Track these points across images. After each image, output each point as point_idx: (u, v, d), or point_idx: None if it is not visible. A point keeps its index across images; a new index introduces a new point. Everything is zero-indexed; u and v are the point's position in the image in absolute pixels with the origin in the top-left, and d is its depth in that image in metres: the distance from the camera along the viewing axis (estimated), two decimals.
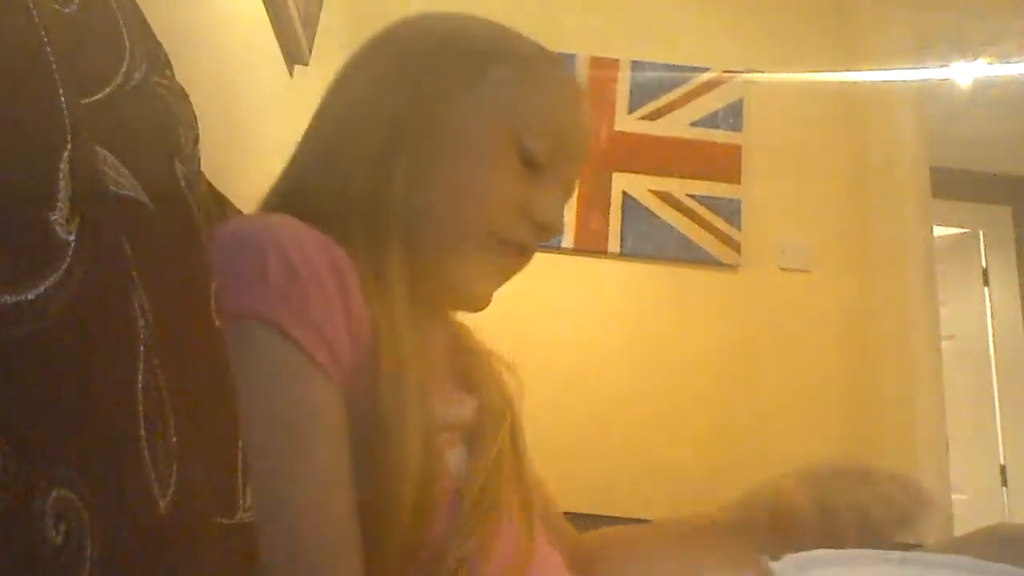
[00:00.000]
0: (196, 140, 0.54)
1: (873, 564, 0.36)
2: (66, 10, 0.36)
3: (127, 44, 0.42)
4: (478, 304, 0.66)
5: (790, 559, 0.35)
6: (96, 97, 0.37)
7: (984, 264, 3.91)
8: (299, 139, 0.67)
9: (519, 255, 0.64)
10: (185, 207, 0.44)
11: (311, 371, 0.49)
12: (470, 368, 0.68)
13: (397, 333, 0.55)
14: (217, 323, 0.43)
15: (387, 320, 0.55)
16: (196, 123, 0.54)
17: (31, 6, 0.30)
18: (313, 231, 0.54)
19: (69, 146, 0.29)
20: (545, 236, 0.64)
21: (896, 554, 0.36)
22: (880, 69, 2.45)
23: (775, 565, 0.35)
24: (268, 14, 1.51)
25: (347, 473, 0.49)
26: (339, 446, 0.50)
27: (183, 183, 0.44)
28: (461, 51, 0.64)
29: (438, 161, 0.60)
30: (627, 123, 2.44)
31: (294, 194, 0.64)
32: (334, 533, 0.48)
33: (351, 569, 0.48)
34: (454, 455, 0.58)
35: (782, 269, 2.35)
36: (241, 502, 0.41)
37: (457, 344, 0.70)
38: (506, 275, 0.66)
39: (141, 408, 0.31)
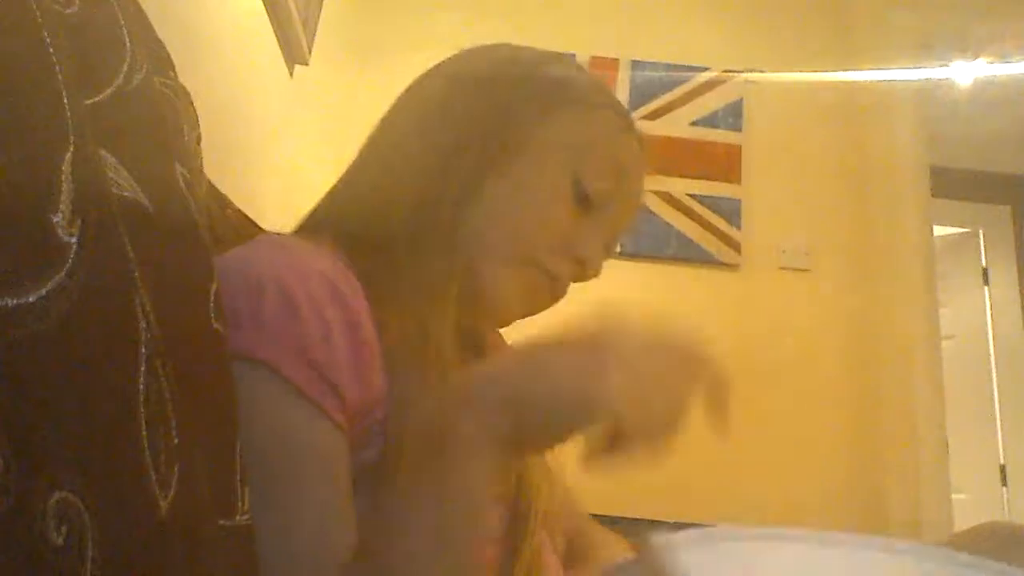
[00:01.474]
0: (198, 140, 0.54)
1: (789, 542, 0.34)
2: (67, 11, 0.35)
3: (128, 45, 0.42)
4: (500, 322, 0.68)
5: (686, 532, 0.34)
6: (97, 98, 0.37)
7: (984, 264, 3.91)
8: (360, 147, 0.68)
9: (551, 289, 0.65)
10: (185, 209, 0.44)
11: (308, 412, 0.48)
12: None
13: (442, 357, 0.55)
14: (216, 326, 0.43)
15: (434, 342, 0.55)
16: (198, 123, 0.54)
17: (34, 7, 0.30)
18: (320, 258, 0.54)
19: (71, 148, 0.29)
20: (581, 273, 0.65)
21: (814, 534, 0.34)
22: (880, 69, 2.45)
23: (669, 537, 0.33)
24: (268, 14, 1.51)
25: (347, 511, 0.49)
26: (337, 486, 0.49)
27: (183, 185, 0.44)
28: (540, 86, 0.66)
29: (502, 188, 0.61)
30: None
31: (347, 205, 0.64)
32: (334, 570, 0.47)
33: None
34: None
35: (782, 269, 2.35)
36: (240, 504, 0.41)
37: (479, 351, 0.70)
38: (534, 305, 0.66)
39: (143, 410, 0.31)
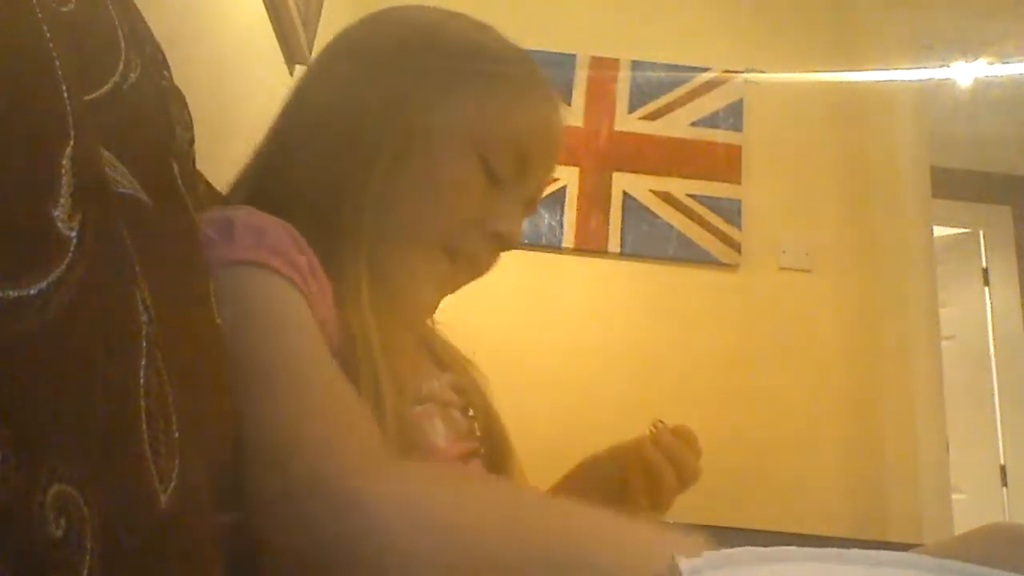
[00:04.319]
0: (191, 141, 0.54)
1: (809, 563, 0.34)
2: (63, 9, 0.36)
3: (122, 45, 0.42)
4: (421, 313, 0.68)
5: (708, 556, 0.34)
6: (92, 97, 0.37)
7: (984, 264, 3.91)
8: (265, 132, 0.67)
9: (470, 266, 0.65)
10: (183, 206, 0.44)
11: (290, 290, 0.50)
12: (441, 352, 0.69)
13: (363, 317, 0.55)
14: (218, 321, 0.43)
15: (353, 310, 0.55)
16: (192, 124, 0.54)
17: (34, 2, 0.30)
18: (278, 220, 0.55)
19: (71, 142, 0.29)
20: (499, 247, 0.65)
21: (831, 552, 0.35)
22: (880, 69, 2.45)
23: (692, 562, 0.34)
24: (268, 14, 1.51)
25: (333, 362, 0.49)
26: (321, 343, 0.50)
27: (180, 182, 0.44)
28: (439, 60, 0.64)
29: (407, 176, 0.61)
30: (627, 123, 2.44)
31: (259, 186, 0.64)
32: (342, 403, 0.47)
33: (369, 431, 0.47)
34: (434, 427, 0.58)
35: (782, 269, 2.35)
36: (236, 502, 0.41)
37: (427, 334, 0.71)
38: (454, 285, 0.66)
39: (143, 403, 0.31)
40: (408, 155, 0.61)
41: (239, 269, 0.49)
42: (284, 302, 0.49)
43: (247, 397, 0.44)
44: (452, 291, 0.66)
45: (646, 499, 0.69)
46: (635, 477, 0.70)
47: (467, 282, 0.66)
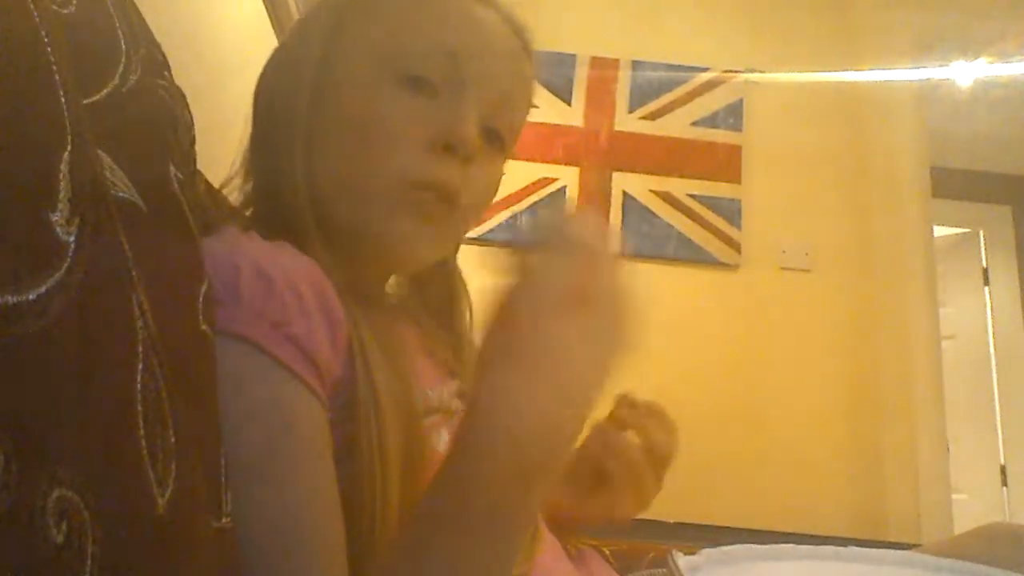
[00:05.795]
0: (192, 142, 0.54)
1: (806, 560, 0.35)
2: (64, 11, 0.36)
3: (123, 46, 0.42)
4: (416, 262, 0.64)
5: (706, 552, 0.34)
6: (93, 99, 0.37)
7: (984, 264, 3.91)
8: None
9: (444, 200, 0.58)
10: (179, 210, 0.44)
11: (289, 386, 0.48)
12: (449, 352, 0.68)
13: (358, 330, 0.54)
14: (204, 328, 0.43)
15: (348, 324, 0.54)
16: (193, 124, 0.54)
17: (31, 6, 0.30)
18: (284, 246, 0.54)
19: (69, 147, 0.30)
20: (459, 156, 0.58)
21: (829, 549, 0.35)
22: (880, 69, 2.45)
23: (690, 559, 0.34)
24: (268, 14, 1.51)
25: (332, 484, 0.49)
26: (321, 458, 0.49)
27: (177, 186, 0.44)
28: (337, 3, 0.62)
29: (326, 117, 0.59)
30: (627, 123, 2.44)
31: (256, 201, 0.65)
32: (320, 546, 0.47)
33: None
34: (440, 439, 0.58)
35: (782, 269, 2.36)
36: (224, 507, 0.41)
37: (432, 336, 0.69)
38: (437, 225, 0.60)
39: (140, 408, 0.31)
40: (331, 99, 0.59)
41: (245, 352, 0.47)
42: (283, 416, 0.48)
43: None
44: (440, 235, 0.61)
45: (630, 489, 0.71)
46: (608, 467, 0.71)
47: (450, 220, 0.60)
